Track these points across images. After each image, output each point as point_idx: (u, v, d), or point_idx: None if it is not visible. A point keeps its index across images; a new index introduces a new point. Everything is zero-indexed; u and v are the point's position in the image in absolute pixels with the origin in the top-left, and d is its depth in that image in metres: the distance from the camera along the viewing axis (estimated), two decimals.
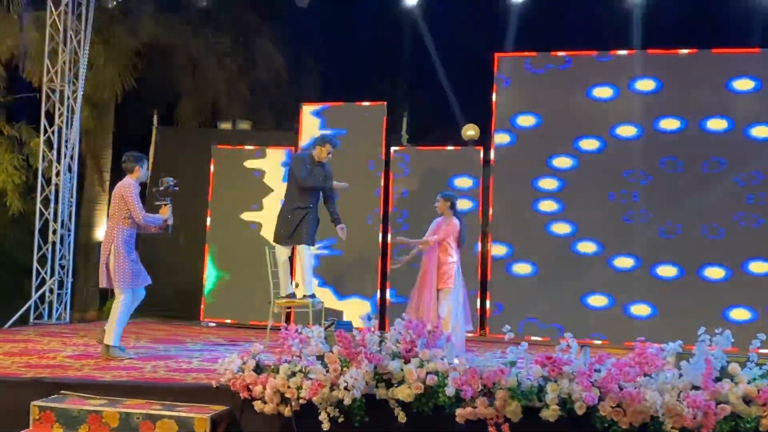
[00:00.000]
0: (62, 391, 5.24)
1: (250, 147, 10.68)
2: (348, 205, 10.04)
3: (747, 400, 4.47)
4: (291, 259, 8.12)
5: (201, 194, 10.62)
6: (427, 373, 4.82)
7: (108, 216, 6.91)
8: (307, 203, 7.73)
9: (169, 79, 12.91)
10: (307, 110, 10.54)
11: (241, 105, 12.76)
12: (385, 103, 10.44)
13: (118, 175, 13.53)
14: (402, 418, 4.78)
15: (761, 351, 4.80)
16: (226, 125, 11.50)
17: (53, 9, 10.64)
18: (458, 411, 4.67)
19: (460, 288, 7.11)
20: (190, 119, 12.91)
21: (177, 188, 7.04)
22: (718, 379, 4.53)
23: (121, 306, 6.71)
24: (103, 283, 6.82)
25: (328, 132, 7.90)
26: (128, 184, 6.79)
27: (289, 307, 8.43)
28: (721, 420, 4.41)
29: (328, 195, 7.93)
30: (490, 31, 11.64)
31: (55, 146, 10.60)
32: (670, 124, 9.30)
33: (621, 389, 4.50)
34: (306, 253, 7.79)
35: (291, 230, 7.70)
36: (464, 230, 7.22)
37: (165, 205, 6.94)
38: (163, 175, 7.47)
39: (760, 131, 9.06)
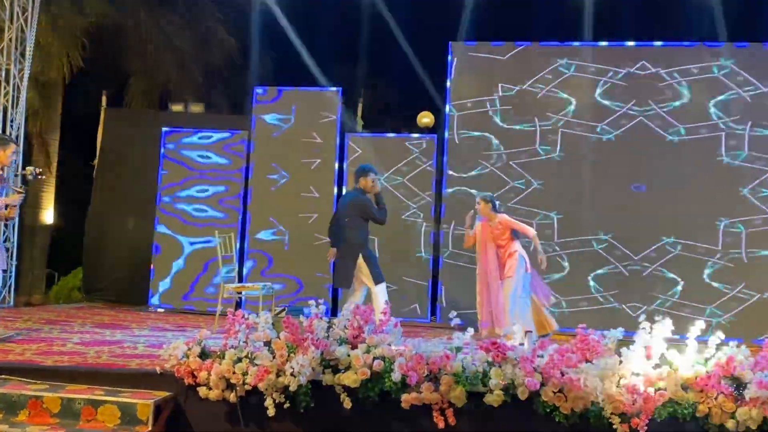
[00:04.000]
0: (3, 376, 5.14)
1: (202, 130, 10.55)
2: (303, 191, 10.07)
3: (685, 387, 4.57)
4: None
5: (150, 177, 10.47)
6: (374, 358, 4.83)
7: None
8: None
9: (118, 59, 12.65)
10: (261, 94, 10.45)
11: (193, 88, 12.57)
12: (340, 88, 10.40)
13: (66, 156, 13.36)
14: (348, 403, 4.79)
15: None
16: (177, 107, 11.32)
17: None
18: (404, 396, 4.70)
19: (522, 275, 7.25)
20: (140, 101, 12.69)
21: (42, 176, 6.89)
22: (657, 366, 4.63)
23: None
24: None
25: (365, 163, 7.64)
26: None
27: (239, 293, 8.38)
28: (659, 406, 4.50)
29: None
30: (448, 18, 11.63)
31: (0, 126, 10.33)
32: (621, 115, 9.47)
33: (563, 375, 4.56)
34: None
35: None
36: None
37: (18, 192, 6.69)
38: (33, 165, 7.24)
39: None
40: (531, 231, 7.42)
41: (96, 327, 7.92)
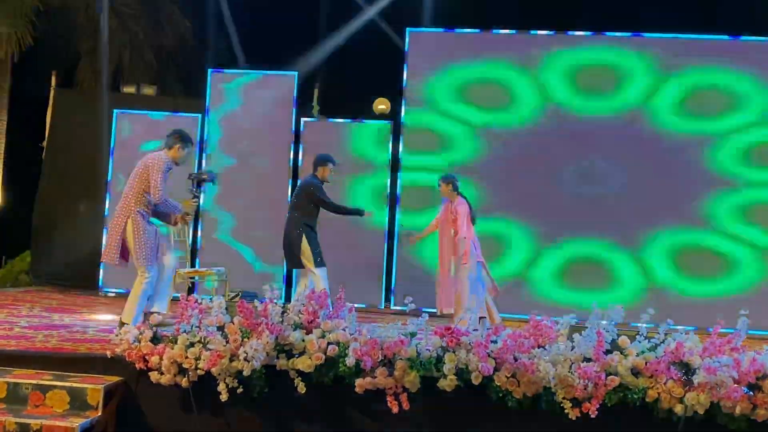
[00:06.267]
0: None
1: (155, 113, 10.38)
2: (257, 176, 9.99)
3: (635, 372, 4.65)
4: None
5: (101, 160, 10.28)
6: (329, 343, 4.82)
7: (125, 187, 6.24)
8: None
9: (69, 39, 12.33)
10: (215, 77, 10.31)
11: (146, 70, 12.33)
12: (296, 72, 10.31)
13: (15, 137, 13.01)
14: (302, 388, 4.77)
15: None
16: (129, 89, 11.11)
17: None
18: (357, 381, 4.70)
19: (476, 263, 7.28)
20: (91, 82, 12.39)
21: (214, 182, 6.57)
22: (608, 352, 4.70)
23: (144, 285, 6.08)
24: (112, 260, 6.12)
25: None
26: (160, 157, 6.15)
27: (192, 278, 8.28)
28: (610, 391, 4.58)
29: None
30: (406, 4, 11.60)
31: None
32: (576, 105, 9.59)
33: (516, 360, 4.61)
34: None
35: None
36: (472, 207, 7.42)
37: (194, 198, 6.45)
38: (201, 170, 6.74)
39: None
40: (462, 234, 7.32)
41: (44, 311, 7.77)
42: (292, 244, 7.14)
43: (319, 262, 7.07)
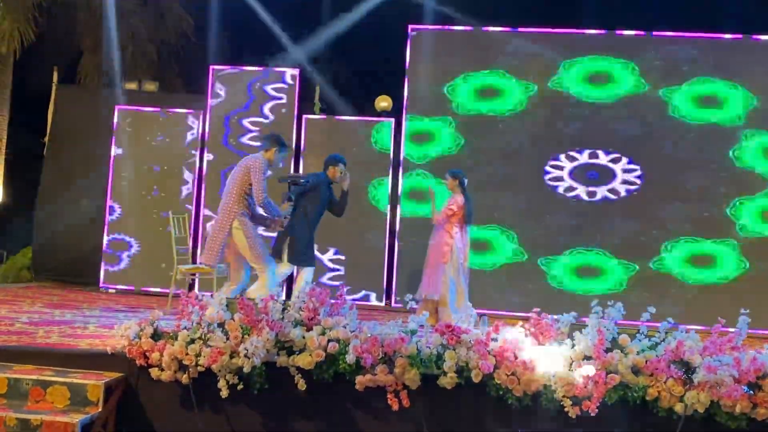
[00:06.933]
0: None
1: (157, 109, 10.38)
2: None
3: (635, 371, 4.65)
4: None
5: (103, 155, 10.28)
6: (329, 340, 4.82)
7: (225, 191, 6.39)
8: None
9: (71, 35, 12.34)
10: (217, 74, 10.30)
11: (148, 66, 12.33)
12: (298, 69, 10.30)
13: (16, 132, 13.02)
14: (302, 385, 4.78)
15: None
16: (131, 85, 11.11)
17: None
18: (358, 378, 4.70)
19: (459, 264, 7.31)
20: (93, 78, 12.38)
21: (306, 185, 6.74)
22: (609, 350, 4.70)
23: (268, 280, 6.27)
24: (212, 262, 6.28)
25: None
26: (260, 159, 6.33)
27: (193, 275, 8.28)
28: (610, 389, 4.58)
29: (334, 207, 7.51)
30: (408, 2, 11.59)
31: None
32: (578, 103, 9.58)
33: (516, 358, 4.61)
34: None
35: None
36: (470, 207, 7.41)
37: (290, 201, 6.61)
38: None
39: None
40: (435, 219, 7.45)
41: (46, 307, 7.77)
42: (282, 235, 7.11)
43: (293, 259, 6.98)
